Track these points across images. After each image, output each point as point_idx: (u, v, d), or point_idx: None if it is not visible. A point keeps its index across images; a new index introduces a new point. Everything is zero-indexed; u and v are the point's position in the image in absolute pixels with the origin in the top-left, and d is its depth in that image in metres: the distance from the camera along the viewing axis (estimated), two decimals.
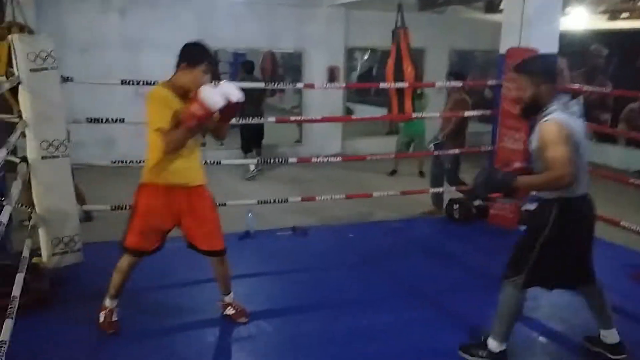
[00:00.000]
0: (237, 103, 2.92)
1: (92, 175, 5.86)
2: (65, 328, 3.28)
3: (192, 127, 2.88)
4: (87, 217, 5.17)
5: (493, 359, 2.90)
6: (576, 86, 10.61)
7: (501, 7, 9.92)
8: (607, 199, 6.75)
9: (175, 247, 3.33)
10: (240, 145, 7.97)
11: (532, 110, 2.79)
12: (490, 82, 5.73)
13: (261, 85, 6.97)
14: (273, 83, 8.66)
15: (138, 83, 4.45)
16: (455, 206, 5.63)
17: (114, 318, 3.26)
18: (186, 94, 2.98)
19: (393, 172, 8.37)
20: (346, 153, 9.36)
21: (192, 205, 3.11)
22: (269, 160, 5.84)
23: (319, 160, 5.37)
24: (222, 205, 4.84)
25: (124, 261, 3.17)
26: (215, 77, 5.75)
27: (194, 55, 2.99)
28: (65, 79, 4.08)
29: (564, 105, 2.70)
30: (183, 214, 3.10)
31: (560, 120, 2.62)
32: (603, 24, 11.01)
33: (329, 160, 5.53)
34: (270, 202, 5.05)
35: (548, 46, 5.28)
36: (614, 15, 11.10)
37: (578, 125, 2.70)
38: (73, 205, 4.09)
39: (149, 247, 3.14)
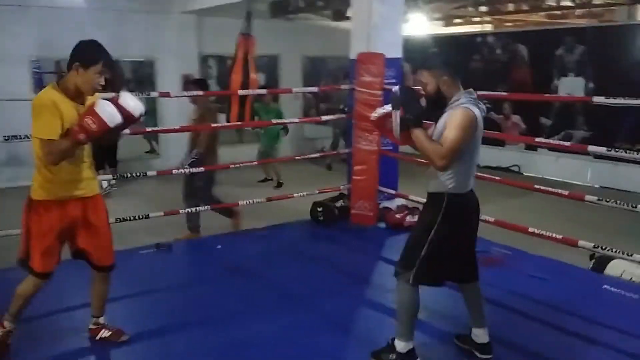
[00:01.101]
0: (137, 117, 2.75)
1: None
2: None
3: (80, 141, 2.67)
4: None
5: (402, 359, 2.90)
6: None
7: (348, 14, 10.41)
8: None
9: None
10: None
11: (439, 103, 2.82)
12: (343, 87, 5.95)
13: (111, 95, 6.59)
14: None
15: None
16: (320, 209, 5.77)
17: (9, 341, 3.03)
18: (80, 97, 2.79)
19: (265, 180, 8.43)
20: (204, 165, 9.16)
21: (87, 218, 2.95)
22: (125, 175, 5.52)
23: (179, 171, 5.21)
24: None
25: (29, 284, 2.94)
26: (116, 86, 5.36)
27: (88, 54, 2.76)
28: None
29: (474, 100, 2.75)
30: (77, 226, 2.94)
31: (472, 110, 2.67)
32: (439, 29, 11.98)
33: (190, 171, 5.38)
34: (129, 219, 4.78)
35: (393, 50, 5.64)
36: (448, 21, 12.12)
37: (481, 121, 2.77)
38: None
39: (50, 269, 2.92)
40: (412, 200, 5.48)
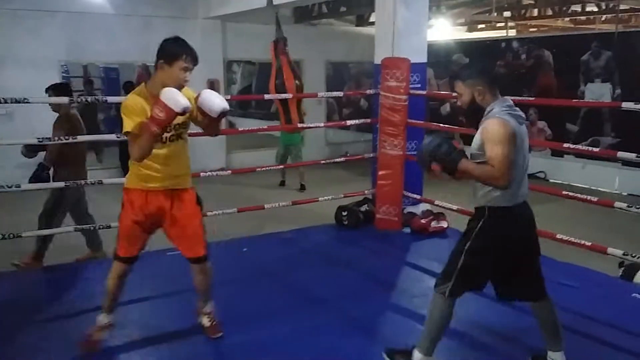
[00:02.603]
0: (222, 113, 2.83)
1: None
2: None
3: (154, 133, 2.72)
4: None
5: None
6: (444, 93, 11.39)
7: (371, 19, 10.44)
8: None
9: None
10: (119, 165, 7.62)
11: (475, 113, 2.76)
12: (369, 91, 5.97)
13: None
14: None
15: (4, 101, 4.11)
16: (344, 213, 5.78)
17: (101, 336, 3.16)
18: None
19: (282, 183, 8.45)
20: (231, 167, 9.27)
21: (173, 210, 3.04)
22: None
23: (207, 174, 5.26)
24: (107, 227, 4.61)
25: (112, 270, 3.09)
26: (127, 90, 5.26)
27: (170, 50, 2.83)
28: None
29: (509, 108, 2.68)
30: (164, 218, 3.05)
31: (508, 120, 2.60)
32: (463, 34, 11.93)
33: (217, 174, 5.45)
34: None
35: (418, 55, 5.64)
36: (471, 26, 12.07)
37: (522, 130, 2.68)
38: None
39: (131, 254, 3.07)
40: (437, 206, 5.46)
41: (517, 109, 2.75)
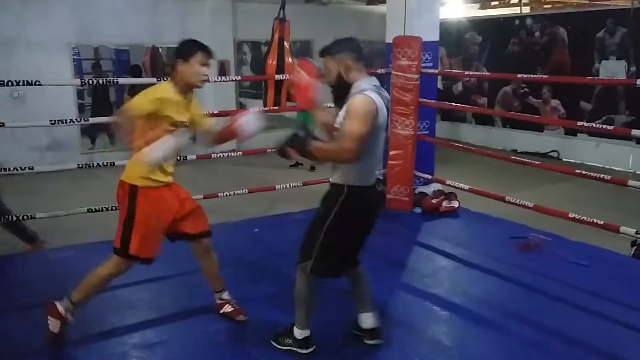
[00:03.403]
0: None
1: None
2: None
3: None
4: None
5: (298, 345, 2.96)
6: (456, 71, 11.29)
7: None
8: (492, 176, 7.32)
9: None
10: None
11: (341, 90, 2.72)
12: (380, 71, 5.92)
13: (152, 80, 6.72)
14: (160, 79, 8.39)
15: (17, 83, 4.13)
16: None
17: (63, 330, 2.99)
18: (187, 94, 3.00)
19: (296, 164, 8.44)
20: (241, 149, 9.28)
21: (180, 199, 3.12)
22: None
23: (218, 155, 5.28)
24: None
25: (115, 267, 2.99)
26: (156, 70, 5.08)
27: (185, 48, 2.95)
28: None
29: (375, 87, 2.66)
30: (176, 211, 3.09)
31: (373, 98, 2.57)
32: (475, 12, 11.76)
33: (229, 155, 5.46)
34: None
35: (430, 34, 5.57)
36: (484, 4, 11.88)
37: (384, 110, 2.66)
38: None
39: (154, 254, 3.05)
40: (448, 185, 5.44)
41: (382, 89, 2.74)
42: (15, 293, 3.75)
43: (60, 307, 2.95)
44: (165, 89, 2.96)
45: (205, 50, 2.96)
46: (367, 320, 3.06)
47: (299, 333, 2.95)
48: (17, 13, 7.75)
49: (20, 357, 2.98)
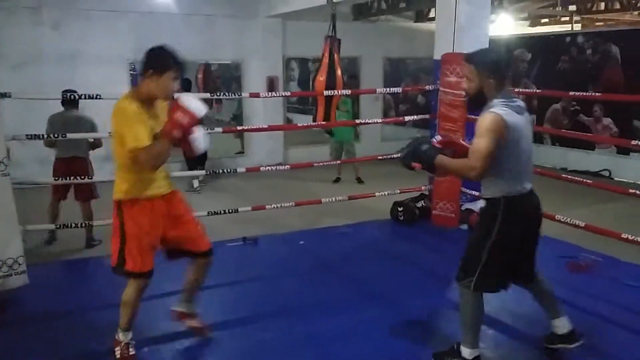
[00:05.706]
0: (199, 118, 2.73)
1: (29, 194, 5.63)
2: (15, 351, 3.17)
3: (174, 138, 2.69)
4: (51, 238, 5.18)
5: None
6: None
7: (431, 15, 10.35)
8: (542, 194, 7.16)
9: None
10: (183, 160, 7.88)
11: (477, 103, 2.76)
12: (428, 87, 5.94)
13: (205, 96, 6.95)
14: (214, 94, 8.64)
15: (80, 97, 4.37)
16: (400, 208, 5.80)
17: (131, 352, 3.04)
18: (152, 104, 2.82)
19: (337, 180, 8.50)
20: (289, 162, 9.42)
21: (174, 213, 3.01)
22: (216, 171, 5.83)
23: (267, 169, 5.40)
24: None
25: (130, 289, 2.94)
26: (209, 87, 5.28)
27: (161, 60, 2.77)
28: (3, 95, 3.94)
29: (507, 100, 2.66)
30: (166, 223, 2.97)
31: (499, 114, 2.58)
32: (525, 29, 11.64)
33: (277, 168, 5.57)
34: (220, 212, 5.02)
35: None
36: (535, 21, 11.76)
37: (520, 120, 2.66)
38: (15, 227, 3.93)
39: (150, 266, 2.94)
40: None
41: (517, 98, 2.73)
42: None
43: (118, 337, 3.04)
44: (130, 108, 2.74)
45: (180, 65, 2.81)
46: (564, 324, 3.02)
47: (468, 353, 2.86)
48: (82, 29, 8.14)
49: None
